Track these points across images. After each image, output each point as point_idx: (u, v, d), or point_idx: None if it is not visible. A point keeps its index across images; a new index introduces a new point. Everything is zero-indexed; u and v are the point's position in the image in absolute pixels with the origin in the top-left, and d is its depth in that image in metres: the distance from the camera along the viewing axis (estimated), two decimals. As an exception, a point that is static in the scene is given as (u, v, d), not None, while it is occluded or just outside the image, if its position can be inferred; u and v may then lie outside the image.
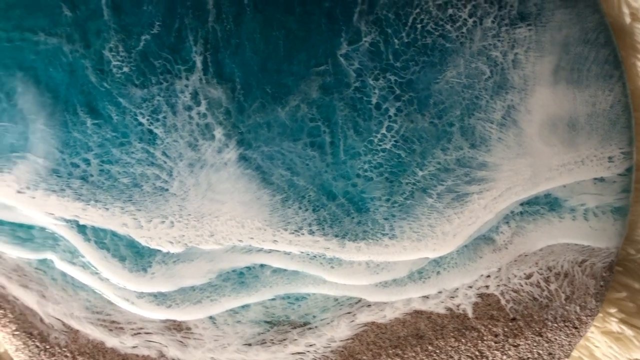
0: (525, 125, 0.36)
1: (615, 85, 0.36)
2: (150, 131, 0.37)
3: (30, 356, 0.37)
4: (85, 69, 0.37)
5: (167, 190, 0.37)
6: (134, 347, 0.37)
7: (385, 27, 0.36)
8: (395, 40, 0.36)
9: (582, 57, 0.35)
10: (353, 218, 0.36)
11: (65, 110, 0.37)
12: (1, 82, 0.37)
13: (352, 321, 0.36)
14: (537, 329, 0.35)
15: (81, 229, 0.37)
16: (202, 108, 0.37)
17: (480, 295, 0.36)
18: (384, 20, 0.36)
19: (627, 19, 0.36)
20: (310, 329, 0.37)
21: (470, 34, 0.36)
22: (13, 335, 0.37)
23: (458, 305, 0.36)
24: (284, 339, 0.37)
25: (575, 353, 0.37)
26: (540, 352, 0.35)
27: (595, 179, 0.36)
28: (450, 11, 0.36)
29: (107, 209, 0.37)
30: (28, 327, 0.37)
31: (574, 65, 0.35)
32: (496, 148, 0.36)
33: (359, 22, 0.36)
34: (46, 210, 0.37)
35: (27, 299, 0.38)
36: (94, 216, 0.37)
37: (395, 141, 0.36)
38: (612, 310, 0.36)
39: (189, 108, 0.37)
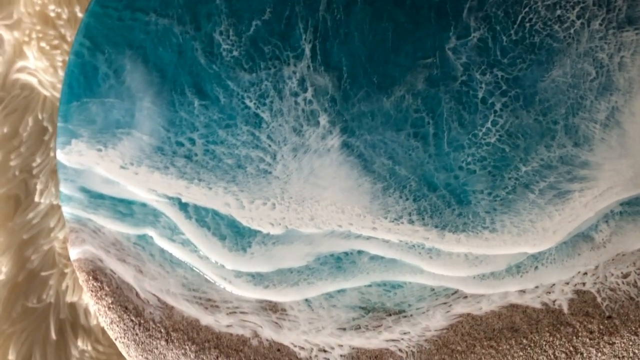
0: (629, 127, 0.36)
1: None
2: (257, 115, 0.37)
3: (124, 329, 0.38)
4: (195, 51, 0.38)
5: (270, 173, 0.37)
6: (228, 326, 0.38)
7: (494, 24, 0.37)
8: (504, 37, 0.37)
9: (687, 63, 0.36)
10: (454, 210, 0.37)
11: (172, 90, 0.38)
12: (110, 59, 0.38)
13: (448, 312, 0.37)
14: (634, 328, 0.36)
15: (183, 206, 0.38)
16: (309, 95, 0.37)
17: (577, 292, 0.36)
18: (493, 18, 0.37)
19: None
20: (405, 317, 0.37)
21: (578, 35, 0.36)
22: (109, 308, 0.38)
23: (554, 301, 0.36)
24: (379, 326, 0.37)
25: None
26: (636, 351, 0.36)
27: (697, 182, 0.36)
28: (558, 12, 0.36)
29: (210, 188, 0.38)
30: (124, 300, 0.38)
31: (679, 70, 0.36)
32: (599, 148, 0.36)
33: (469, 18, 0.37)
34: (149, 186, 0.38)
35: (124, 273, 0.38)
36: (196, 195, 0.38)
37: (499, 135, 0.37)
38: None
39: (296, 94, 0.37)
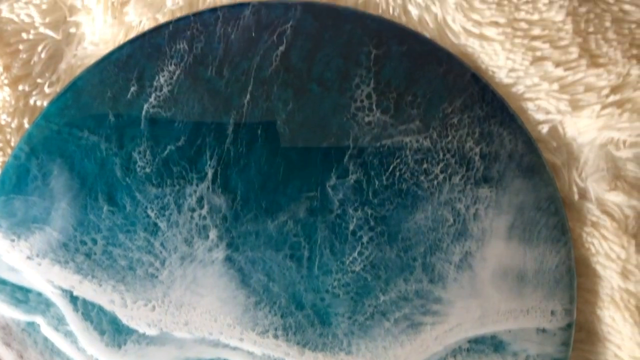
0: (479, 270, 0.40)
1: (561, 249, 0.40)
2: (155, 224, 0.42)
3: (-8, 412, 0.39)
4: (114, 165, 0.44)
5: (156, 277, 0.41)
6: (90, 420, 0.39)
7: (369, 169, 0.42)
8: (376, 182, 0.42)
9: (534, 221, 0.41)
10: (316, 329, 0.40)
11: (88, 195, 0.43)
12: (42, 164, 0.44)
13: None
14: None
15: (73, 299, 0.41)
16: (204, 211, 0.42)
17: (423, 423, 0.38)
18: (369, 164, 0.43)
19: (576, 197, 0.42)
20: None
21: (440, 186, 0.42)
22: (-17, 389, 0.40)
23: None
24: None
25: None
26: None
27: (538, 329, 0.39)
28: (425, 166, 0.42)
29: (101, 285, 0.41)
30: (-1, 383, 0.40)
31: (526, 226, 0.41)
32: (451, 286, 0.40)
33: (348, 163, 0.43)
34: (48, 277, 0.42)
35: (6, 356, 0.40)
36: (87, 290, 0.41)
37: (364, 265, 0.41)
38: None
39: (193, 210, 0.42)
